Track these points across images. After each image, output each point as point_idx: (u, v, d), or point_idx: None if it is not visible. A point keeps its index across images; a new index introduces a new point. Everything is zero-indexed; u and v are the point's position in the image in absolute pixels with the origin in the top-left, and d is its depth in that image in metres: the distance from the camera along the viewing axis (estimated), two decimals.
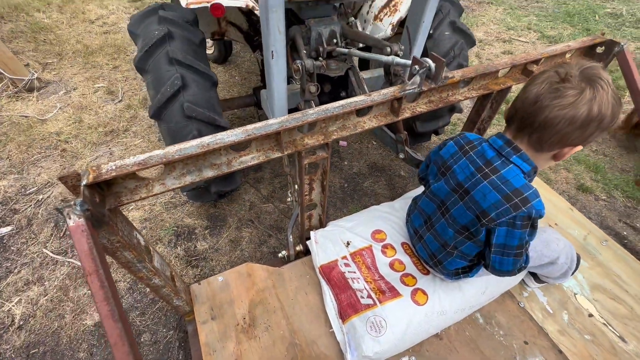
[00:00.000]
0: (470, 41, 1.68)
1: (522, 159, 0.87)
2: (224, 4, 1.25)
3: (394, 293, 1.16)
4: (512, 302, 1.33)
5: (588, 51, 1.36)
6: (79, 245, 0.66)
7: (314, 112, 0.90)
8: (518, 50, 3.10)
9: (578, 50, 1.34)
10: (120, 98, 2.67)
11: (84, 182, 0.69)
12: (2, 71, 2.62)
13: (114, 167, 0.73)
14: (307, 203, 1.24)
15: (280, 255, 1.40)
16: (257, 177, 2.04)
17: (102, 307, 0.65)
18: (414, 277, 1.22)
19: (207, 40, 1.80)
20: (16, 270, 1.64)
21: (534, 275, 1.34)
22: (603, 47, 1.33)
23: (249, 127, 0.85)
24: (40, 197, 1.98)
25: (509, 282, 1.30)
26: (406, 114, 1.05)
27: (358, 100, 0.95)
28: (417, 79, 0.96)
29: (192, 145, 0.79)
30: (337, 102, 0.94)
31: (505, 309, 1.31)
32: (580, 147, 0.83)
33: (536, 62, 1.23)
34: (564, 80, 0.77)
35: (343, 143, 2.31)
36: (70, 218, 0.65)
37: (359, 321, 1.12)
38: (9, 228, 1.84)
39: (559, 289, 1.37)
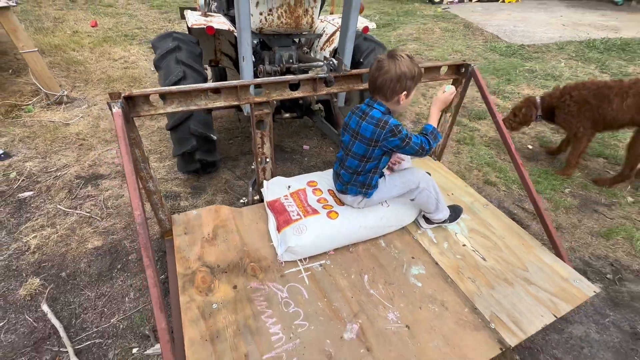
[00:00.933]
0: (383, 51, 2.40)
1: (379, 105, 1.46)
2: (215, 27, 1.94)
3: (315, 212, 1.65)
4: (408, 235, 1.80)
5: (456, 69, 2.05)
6: (117, 122, 1.19)
7: (260, 80, 1.51)
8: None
9: (449, 67, 2.03)
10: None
11: (123, 95, 1.25)
12: (40, 87, 3.30)
13: (139, 92, 1.30)
14: (260, 155, 1.79)
15: (241, 201, 1.90)
16: (233, 164, 2.59)
17: (126, 163, 1.17)
18: (331, 205, 1.72)
19: (206, 68, 2.49)
20: (34, 219, 2.08)
21: (426, 220, 1.84)
22: (463, 68, 2.02)
23: (220, 83, 1.44)
24: (59, 174, 2.48)
25: (403, 219, 1.80)
26: (322, 92, 1.67)
27: (290, 78, 1.57)
28: (324, 67, 1.60)
29: (185, 87, 1.37)
30: (278, 77, 1.56)
31: (403, 238, 1.78)
32: (410, 96, 1.43)
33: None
34: (380, 60, 1.40)
35: (306, 147, 2.91)
36: (114, 108, 1.20)
37: (289, 229, 1.59)
38: (30, 192, 2.30)
39: (444, 230, 1.85)
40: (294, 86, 1.61)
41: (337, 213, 1.67)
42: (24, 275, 1.71)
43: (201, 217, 1.79)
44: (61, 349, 1.42)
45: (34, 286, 1.63)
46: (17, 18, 3.09)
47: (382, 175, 1.69)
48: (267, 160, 1.83)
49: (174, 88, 1.35)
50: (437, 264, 1.66)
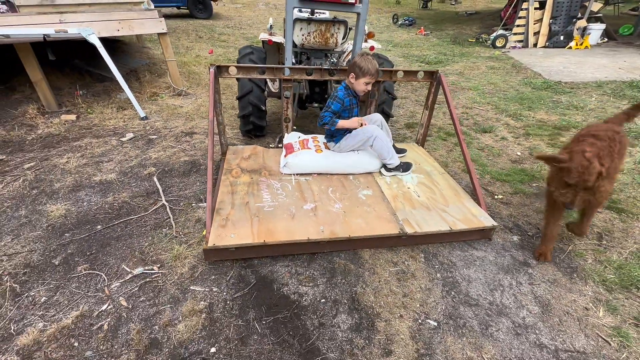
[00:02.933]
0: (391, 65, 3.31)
1: (342, 85, 2.41)
2: (273, 40, 3.16)
3: (308, 149, 2.61)
4: (371, 176, 2.62)
5: (430, 75, 2.88)
6: (211, 77, 2.40)
7: (288, 66, 2.61)
8: (473, 112, 4.53)
9: (425, 72, 2.87)
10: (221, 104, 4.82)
11: (216, 65, 2.47)
12: (172, 84, 5.06)
13: (223, 64, 2.51)
14: (284, 116, 2.86)
15: (271, 146, 2.96)
16: (275, 135, 3.73)
17: (210, 100, 2.35)
18: (321, 148, 2.66)
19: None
20: (154, 147, 3.46)
21: (385, 169, 2.63)
22: (434, 74, 2.84)
23: (266, 65, 2.58)
24: (171, 130, 3.93)
25: (368, 166, 2.63)
26: (326, 78, 2.69)
27: (306, 67, 2.64)
28: (328, 63, 2.63)
29: (246, 65, 2.54)
30: (299, 66, 2.64)
31: (366, 177, 2.60)
32: (358, 81, 2.34)
33: (397, 72, 2.79)
34: (359, 56, 2.36)
35: None
36: (211, 68, 2.41)
37: (291, 156, 2.58)
38: (155, 136, 3.76)
39: (399, 180, 2.61)
40: (309, 73, 2.68)
41: (322, 151, 2.61)
42: (146, 166, 3.01)
43: (244, 149, 2.91)
44: (158, 198, 2.60)
45: (151, 171, 2.91)
46: (169, 40, 4.93)
47: (345, 131, 2.60)
48: (289, 120, 2.89)
49: (240, 65, 2.53)
50: (382, 192, 2.45)
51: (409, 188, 2.51)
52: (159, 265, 1.97)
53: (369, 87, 2.40)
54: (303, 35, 3.12)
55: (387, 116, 3.38)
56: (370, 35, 3.57)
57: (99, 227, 2.27)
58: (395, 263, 2.06)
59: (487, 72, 6.39)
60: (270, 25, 3.49)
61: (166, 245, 2.12)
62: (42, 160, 3.12)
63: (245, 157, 2.77)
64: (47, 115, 4.11)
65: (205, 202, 2.46)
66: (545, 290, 1.91)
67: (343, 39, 3.30)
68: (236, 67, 2.55)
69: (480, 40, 9.59)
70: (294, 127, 3.08)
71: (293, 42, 3.29)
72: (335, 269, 1.99)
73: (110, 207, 2.48)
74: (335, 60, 2.62)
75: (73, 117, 4.10)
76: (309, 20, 3.04)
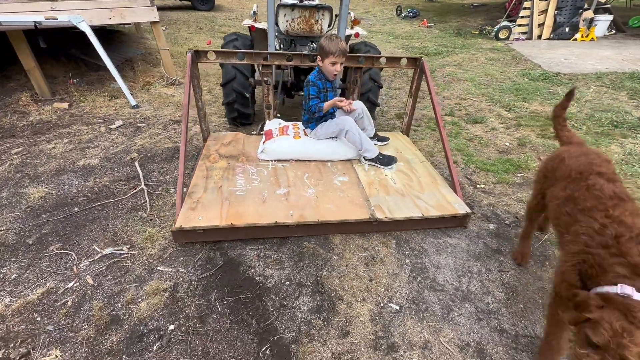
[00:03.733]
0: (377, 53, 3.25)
1: (316, 69, 2.39)
2: (256, 26, 3.13)
3: (287, 135, 2.60)
4: (349, 163, 2.60)
5: (413, 61, 2.83)
6: (188, 61, 2.39)
7: (267, 52, 2.59)
8: (466, 103, 4.46)
9: (408, 59, 2.82)
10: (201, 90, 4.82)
11: (193, 49, 2.46)
12: (165, 73, 5.07)
13: (201, 49, 2.50)
14: (266, 103, 2.85)
15: (252, 133, 2.96)
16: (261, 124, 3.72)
17: (186, 84, 2.35)
18: (300, 134, 2.64)
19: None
20: (142, 134, 3.49)
21: (365, 158, 2.61)
22: (417, 61, 2.79)
23: (245, 50, 2.57)
24: (161, 118, 3.95)
25: (345, 153, 2.61)
26: (307, 64, 2.67)
27: (287, 52, 2.62)
28: (307, 49, 2.61)
29: (225, 50, 2.53)
30: (280, 51, 2.62)
31: (344, 165, 2.58)
32: (324, 62, 2.32)
33: (379, 58, 2.75)
34: (324, 38, 2.33)
35: None
36: (188, 53, 2.41)
37: (269, 142, 2.57)
38: (144, 124, 3.78)
39: (379, 169, 2.58)
40: (290, 59, 2.66)
41: (300, 137, 2.60)
42: (130, 152, 3.04)
43: (226, 135, 2.92)
44: (138, 183, 2.62)
45: (134, 156, 2.94)
46: (162, 29, 4.93)
47: (320, 119, 2.58)
48: (271, 106, 2.88)
49: (219, 50, 2.52)
50: (358, 179, 2.43)
51: (386, 175, 2.49)
52: (129, 246, 1.99)
53: (338, 69, 2.37)
54: (287, 21, 3.09)
55: (373, 105, 3.34)
56: (356, 22, 3.52)
57: (76, 209, 2.31)
58: (366, 249, 2.05)
59: (486, 63, 6.27)
60: (254, 12, 3.47)
61: (139, 227, 2.15)
62: (30, 145, 3.17)
63: (225, 144, 2.77)
64: (40, 103, 4.17)
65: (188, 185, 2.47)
66: (513, 277, 1.89)
67: (329, 26, 3.26)
68: (215, 52, 2.54)
69: (484, 32, 9.40)
70: (277, 115, 3.07)
71: (278, 28, 3.27)
72: (304, 253, 1.99)
73: (90, 191, 2.51)
74: (314, 47, 2.61)
75: (65, 105, 4.15)
76: (292, 6, 3.00)
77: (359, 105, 2.69)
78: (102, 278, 1.78)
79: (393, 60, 2.79)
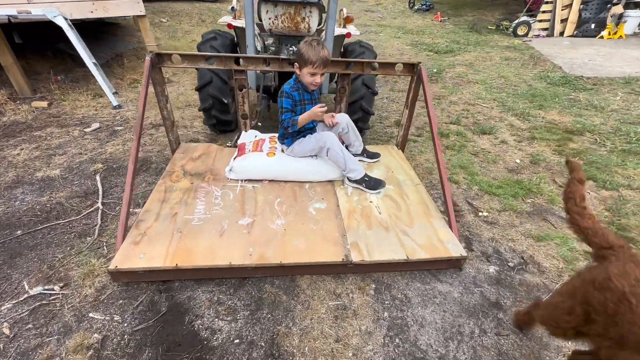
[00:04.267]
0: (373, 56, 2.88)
1: (293, 77, 2.05)
2: (233, 24, 2.80)
3: (260, 151, 2.28)
4: (330, 185, 2.27)
5: (410, 67, 2.46)
6: (146, 65, 2.09)
7: (242, 55, 2.26)
8: (475, 109, 4.04)
9: (404, 65, 2.45)
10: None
11: (155, 52, 2.15)
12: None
13: (165, 52, 2.19)
14: (241, 112, 2.53)
15: (227, 144, 2.65)
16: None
17: (142, 93, 2.04)
18: (274, 150, 2.32)
19: None
20: (115, 140, 3.23)
21: (349, 180, 2.27)
22: (414, 67, 2.42)
23: (215, 54, 2.25)
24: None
25: (327, 174, 2.27)
26: (287, 69, 2.33)
27: (264, 56, 2.29)
28: (286, 52, 2.26)
29: (193, 53, 2.21)
30: (255, 55, 2.29)
31: (324, 187, 2.26)
32: (302, 71, 1.98)
33: (370, 63, 2.39)
34: (303, 43, 1.98)
35: None
36: (147, 56, 2.10)
37: (239, 159, 2.26)
38: (121, 127, 3.52)
39: (364, 194, 2.24)
40: (268, 64, 2.32)
41: (274, 155, 2.28)
42: (96, 161, 2.78)
43: (197, 147, 2.62)
44: (96, 200, 2.36)
45: (97, 168, 2.68)
46: (148, 23, 4.64)
47: (298, 134, 2.26)
48: (247, 116, 2.56)
49: (186, 53, 2.21)
50: (338, 206, 2.10)
51: (371, 202, 2.15)
52: (62, 284, 1.73)
53: (318, 80, 2.02)
54: (270, 19, 2.74)
55: (367, 114, 2.98)
56: (348, 20, 3.14)
57: (18, 232, 2.06)
58: (338, 295, 1.74)
59: (501, 63, 5.77)
60: (232, 7, 3.12)
61: (83, 258, 1.88)
62: None
63: (194, 158, 2.48)
64: (18, 102, 3.95)
65: (142, 207, 2.20)
66: (513, 345, 1.55)
67: (319, 24, 2.90)
68: (180, 55, 2.23)
69: (501, 27, 8.79)
70: (259, 124, 2.75)
71: (262, 27, 2.93)
72: (263, 300, 1.69)
73: (41, 209, 2.26)
74: (294, 50, 2.27)
75: (45, 104, 3.92)
76: (275, 2, 2.65)
77: (343, 119, 2.35)
78: (21, 327, 1.52)
79: (387, 66, 2.43)
